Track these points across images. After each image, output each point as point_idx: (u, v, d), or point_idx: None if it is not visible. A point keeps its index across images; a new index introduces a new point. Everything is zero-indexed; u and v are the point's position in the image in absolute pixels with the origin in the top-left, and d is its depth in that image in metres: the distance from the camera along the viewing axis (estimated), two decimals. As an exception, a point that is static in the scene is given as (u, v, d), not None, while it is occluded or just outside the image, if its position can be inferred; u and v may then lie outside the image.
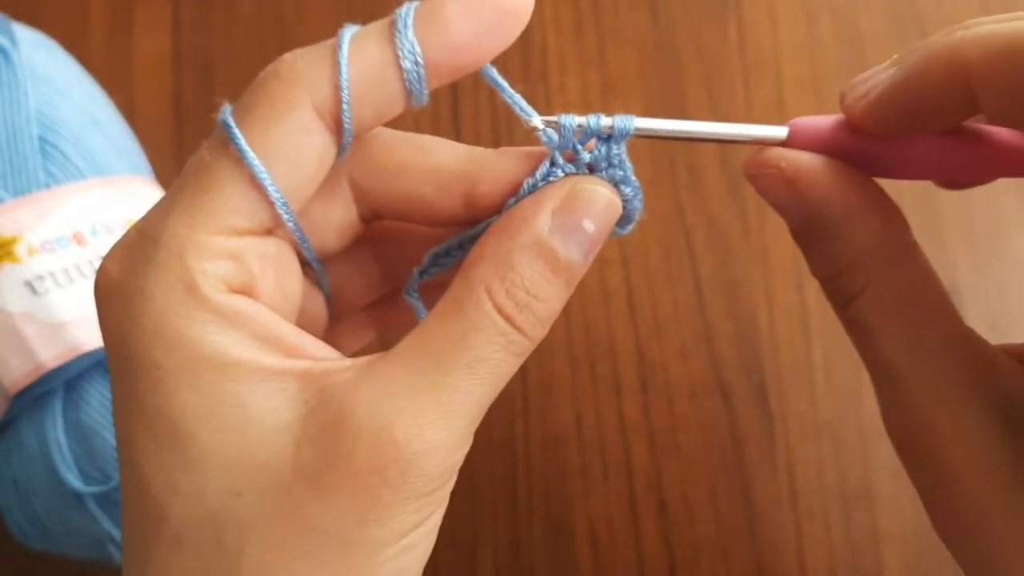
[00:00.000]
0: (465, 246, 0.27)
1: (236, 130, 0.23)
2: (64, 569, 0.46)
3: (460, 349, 0.23)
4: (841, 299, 0.27)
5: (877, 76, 0.25)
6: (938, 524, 0.26)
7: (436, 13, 0.23)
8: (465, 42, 0.23)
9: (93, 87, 0.46)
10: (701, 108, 0.50)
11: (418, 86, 0.24)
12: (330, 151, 0.24)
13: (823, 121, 0.27)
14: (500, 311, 0.23)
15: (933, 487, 0.26)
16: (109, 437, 0.39)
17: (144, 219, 0.24)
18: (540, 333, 0.24)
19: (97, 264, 0.39)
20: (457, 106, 0.51)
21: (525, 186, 0.25)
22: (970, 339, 0.26)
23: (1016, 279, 0.45)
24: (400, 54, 0.23)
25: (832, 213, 0.26)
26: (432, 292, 0.28)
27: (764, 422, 0.45)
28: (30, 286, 0.38)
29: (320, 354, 0.24)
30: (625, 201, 0.26)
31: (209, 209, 0.23)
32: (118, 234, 0.41)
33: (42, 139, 0.41)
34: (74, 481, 0.38)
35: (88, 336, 0.38)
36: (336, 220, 0.27)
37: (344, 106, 0.23)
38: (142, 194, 0.43)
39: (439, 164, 0.26)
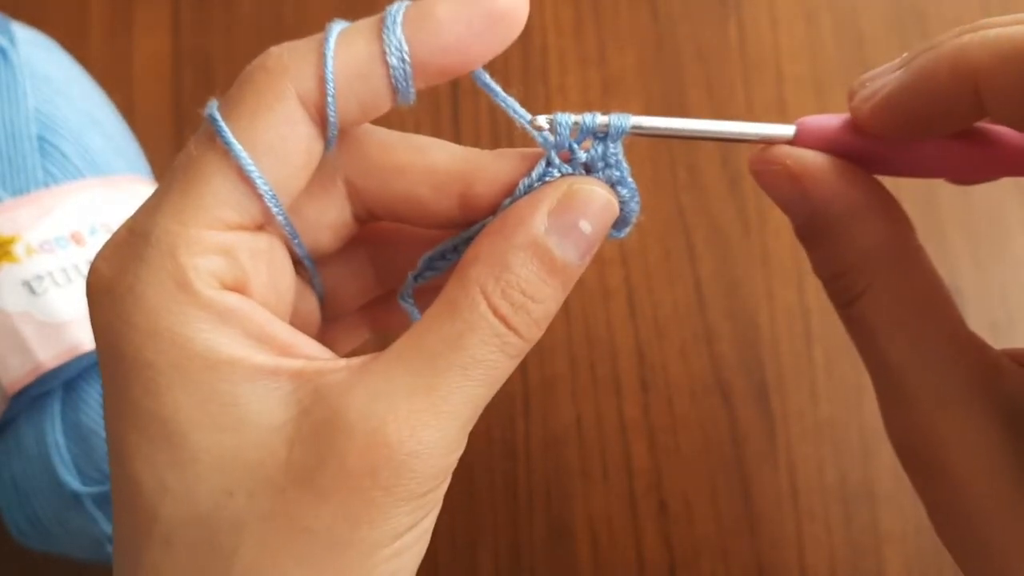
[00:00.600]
0: (460, 249, 0.27)
1: (222, 123, 0.23)
2: (63, 569, 0.45)
3: (454, 350, 0.23)
4: (844, 299, 0.27)
5: (884, 77, 0.25)
6: (940, 528, 0.26)
7: (427, 13, 0.23)
8: (453, 44, 0.23)
9: (92, 87, 0.46)
10: (701, 108, 0.50)
11: (404, 83, 0.23)
12: (317, 144, 0.24)
13: (830, 120, 0.26)
14: (495, 312, 0.23)
15: (935, 491, 0.26)
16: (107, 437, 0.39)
17: (134, 216, 0.24)
18: (535, 334, 0.24)
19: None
20: (457, 106, 0.51)
21: (521, 187, 0.25)
22: (973, 343, 0.26)
23: (1018, 279, 0.45)
24: (387, 50, 0.23)
25: (837, 212, 0.26)
26: (427, 296, 0.27)
27: (764, 422, 0.45)
28: (28, 286, 0.38)
29: (313, 353, 0.24)
30: (622, 203, 0.26)
31: (198, 204, 0.23)
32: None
33: (41, 139, 0.41)
34: (72, 482, 0.38)
35: (87, 336, 0.38)
36: (330, 219, 0.27)
37: (329, 99, 0.23)
38: (141, 194, 0.43)
39: (435, 164, 0.26)
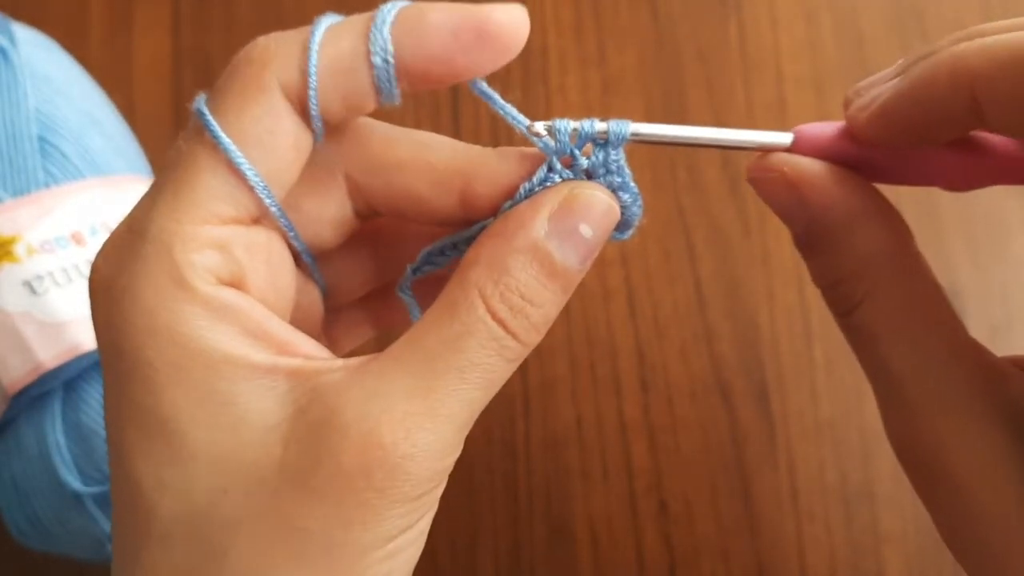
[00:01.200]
0: (459, 246, 0.27)
1: (210, 117, 0.23)
2: (63, 569, 0.45)
3: (452, 352, 0.23)
4: (843, 307, 0.27)
5: (880, 86, 0.25)
6: (944, 532, 0.26)
7: (418, 18, 0.23)
8: (439, 54, 0.23)
9: (92, 87, 0.46)
10: (701, 108, 0.50)
11: (387, 84, 0.23)
12: (305, 137, 0.24)
13: (827, 128, 0.26)
14: (493, 315, 0.23)
15: (939, 496, 0.25)
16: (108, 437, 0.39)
17: (131, 214, 0.24)
18: (534, 339, 0.24)
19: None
20: (457, 106, 0.51)
21: (522, 190, 0.25)
22: (973, 348, 0.26)
23: (1017, 280, 0.45)
24: (372, 49, 0.23)
25: (835, 219, 0.26)
26: (426, 288, 0.28)
27: (765, 422, 0.45)
28: (29, 286, 0.38)
29: (311, 352, 0.24)
30: (624, 207, 0.26)
31: (191, 199, 0.23)
32: (116, 234, 0.40)
33: (41, 139, 0.41)
34: (73, 482, 0.38)
35: (87, 336, 0.38)
36: (331, 214, 0.27)
37: (311, 92, 0.23)
38: (141, 194, 0.43)
39: (436, 161, 0.26)
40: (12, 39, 0.43)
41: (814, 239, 0.27)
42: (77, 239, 0.40)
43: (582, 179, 0.25)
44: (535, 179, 0.25)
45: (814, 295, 0.46)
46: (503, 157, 0.26)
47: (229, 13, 0.53)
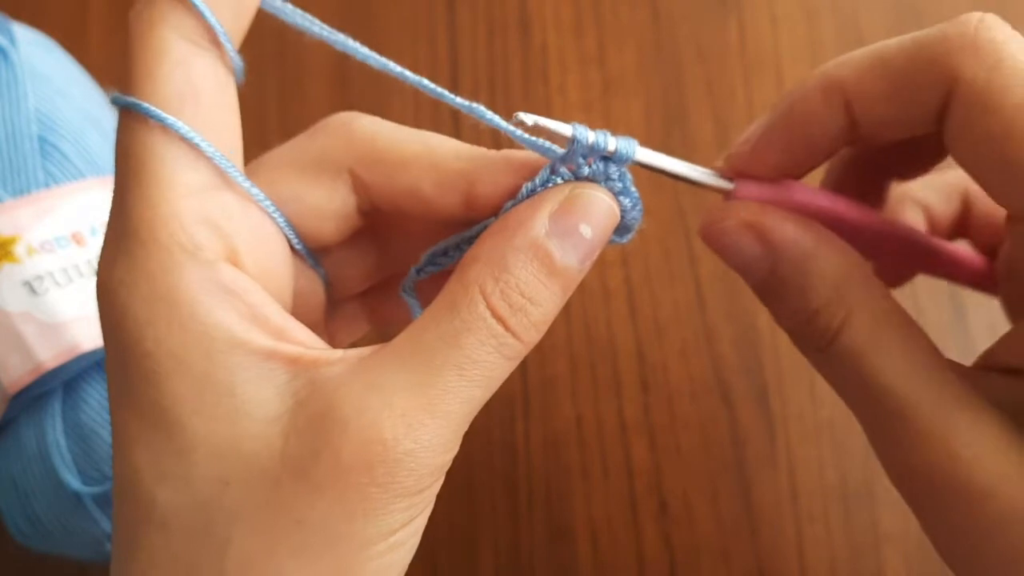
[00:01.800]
0: (463, 247, 0.27)
1: (129, 97, 0.23)
2: (63, 570, 0.45)
3: (451, 349, 0.23)
4: (822, 339, 0.27)
5: (757, 123, 0.27)
6: (960, 550, 0.25)
7: None
8: None
9: (92, 87, 0.46)
10: (701, 108, 0.50)
11: None
12: (225, 75, 0.25)
13: (762, 185, 0.28)
14: (494, 312, 0.23)
15: (953, 512, 0.24)
16: (108, 437, 0.39)
17: (110, 218, 0.24)
18: (533, 337, 0.24)
19: (96, 264, 0.39)
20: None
21: (524, 190, 0.25)
22: (948, 359, 0.26)
23: (1017, 279, 0.45)
24: None
25: (801, 251, 0.26)
26: (429, 289, 0.28)
27: (765, 423, 0.45)
28: (29, 286, 0.38)
29: (306, 340, 0.24)
30: (624, 211, 0.26)
31: (155, 181, 0.23)
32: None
33: (41, 139, 0.41)
34: (73, 481, 0.38)
35: (87, 336, 0.38)
36: (334, 208, 0.27)
37: (212, 23, 0.24)
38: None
39: (440, 161, 0.26)
40: (12, 39, 0.43)
41: (780, 280, 0.27)
42: (77, 239, 0.40)
43: (583, 180, 0.25)
44: (537, 180, 0.25)
45: (814, 295, 0.46)
46: (507, 159, 0.26)
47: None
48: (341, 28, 0.27)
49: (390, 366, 0.23)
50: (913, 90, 0.24)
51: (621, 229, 0.26)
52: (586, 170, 0.25)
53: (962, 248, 0.33)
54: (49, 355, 0.38)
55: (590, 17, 0.52)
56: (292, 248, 0.27)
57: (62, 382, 0.39)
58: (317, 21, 0.27)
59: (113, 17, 0.54)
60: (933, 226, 0.34)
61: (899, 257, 0.31)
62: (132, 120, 0.23)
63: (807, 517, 0.43)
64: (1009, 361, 0.26)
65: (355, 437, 0.22)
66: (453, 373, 0.23)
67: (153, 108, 0.23)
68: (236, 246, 0.24)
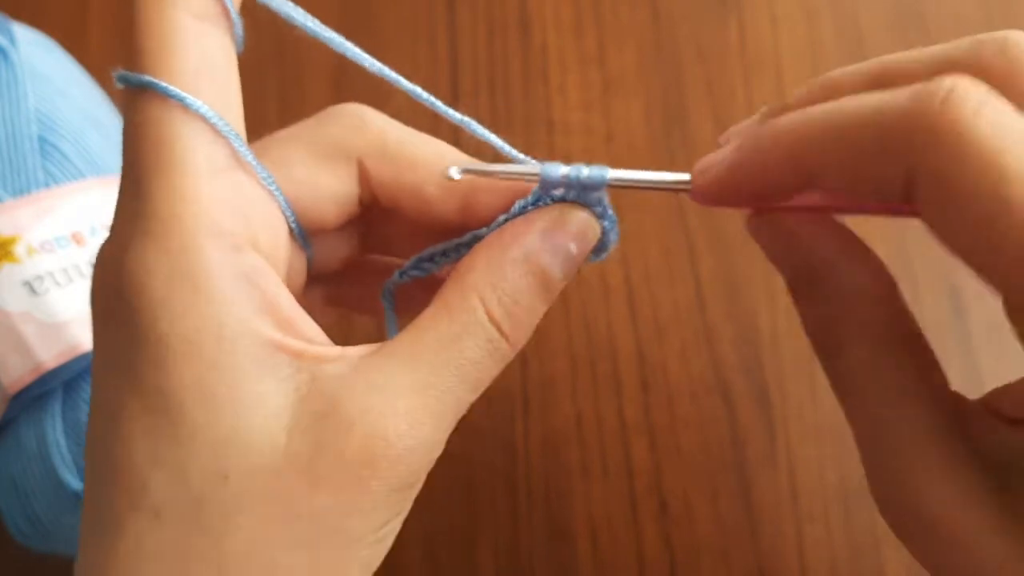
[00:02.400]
0: (450, 254, 0.29)
1: (144, 77, 0.23)
2: (63, 570, 0.45)
3: (451, 351, 0.24)
4: (830, 351, 0.27)
5: (717, 158, 0.27)
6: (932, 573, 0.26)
7: None
8: None
9: (92, 87, 0.46)
10: (701, 108, 0.50)
11: None
12: (229, 47, 0.25)
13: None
14: (491, 318, 0.25)
15: (925, 547, 0.25)
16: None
17: (121, 201, 0.24)
18: (521, 342, 0.26)
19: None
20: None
21: (516, 206, 0.27)
22: (952, 396, 0.26)
23: (1017, 279, 0.45)
24: None
25: (821, 259, 0.27)
26: (400, 295, 0.30)
27: (765, 422, 0.45)
28: (29, 286, 0.38)
29: (310, 334, 0.25)
30: (604, 232, 0.28)
31: (173, 162, 0.23)
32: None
33: (41, 139, 0.41)
34: (73, 481, 0.38)
35: (87, 336, 0.38)
36: (338, 194, 0.28)
37: None
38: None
39: (447, 166, 0.27)
40: (12, 39, 0.43)
41: (802, 282, 0.27)
42: (77, 239, 0.40)
43: (570, 200, 0.27)
44: (530, 198, 0.27)
45: (814, 295, 0.46)
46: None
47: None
48: (341, 28, 0.27)
49: (391, 367, 0.24)
50: (874, 170, 0.23)
51: (598, 248, 0.28)
52: (572, 194, 0.27)
53: None
54: (49, 355, 0.38)
55: (590, 17, 0.52)
56: (289, 230, 0.28)
57: (62, 382, 0.39)
58: (311, 17, 0.27)
59: (113, 17, 0.54)
60: None
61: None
62: (146, 99, 0.23)
63: (807, 517, 0.43)
64: (1008, 409, 0.25)
65: (360, 434, 0.23)
66: (452, 374, 0.24)
67: (172, 87, 0.23)
68: (254, 229, 0.24)
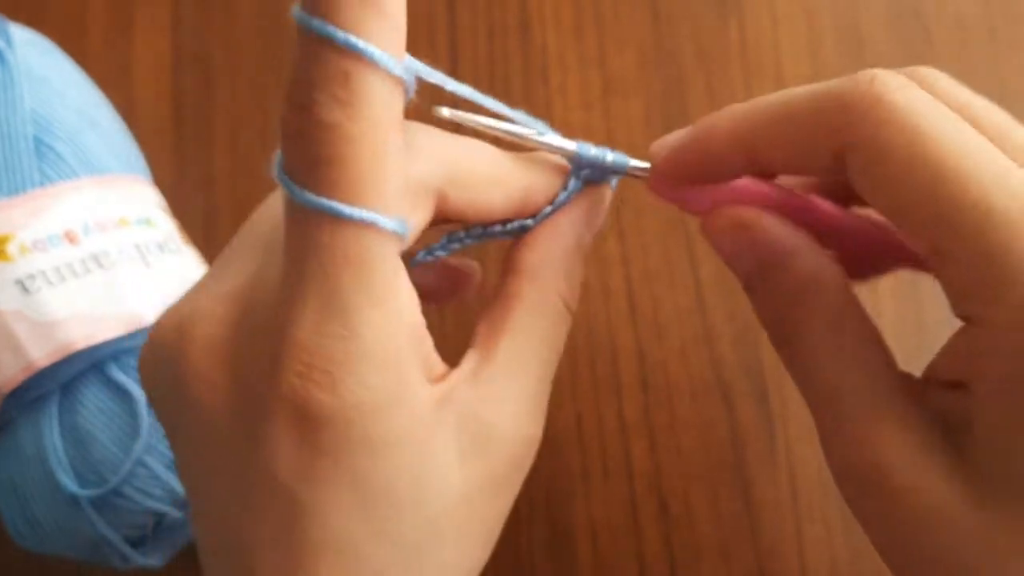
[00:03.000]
0: (483, 237, 0.30)
1: (358, 210, 0.23)
2: (63, 571, 0.45)
3: (549, 350, 0.29)
4: (785, 336, 0.29)
5: (675, 134, 0.30)
6: (888, 552, 0.27)
7: None
8: None
9: (91, 87, 0.46)
10: (701, 108, 0.50)
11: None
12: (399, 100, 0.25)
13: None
14: (567, 305, 0.29)
15: (880, 512, 0.26)
16: (105, 441, 0.38)
17: (325, 320, 0.23)
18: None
19: (89, 262, 0.39)
20: (457, 105, 0.50)
21: (561, 196, 0.30)
22: (899, 369, 0.27)
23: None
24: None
25: (779, 250, 0.28)
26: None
27: (765, 423, 0.45)
28: (21, 285, 0.38)
29: (438, 368, 0.27)
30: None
31: (388, 291, 0.24)
32: (111, 232, 0.40)
33: (37, 140, 0.41)
34: (70, 484, 0.38)
35: (80, 335, 0.38)
36: (423, 224, 0.28)
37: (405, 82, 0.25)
38: (136, 193, 0.43)
39: (509, 178, 0.29)
40: (9, 40, 0.43)
41: (760, 276, 0.29)
42: (71, 238, 0.40)
43: (593, 181, 0.31)
44: (570, 187, 0.30)
45: (814, 295, 0.46)
46: (549, 172, 0.30)
47: (229, 14, 0.53)
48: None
49: (514, 376, 0.28)
50: (808, 142, 0.26)
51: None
52: (596, 175, 0.31)
53: None
54: (41, 353, 0.37)
55: (590, 17, 0.52)
56: None
57: (59, 385, 0.39)
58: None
59: (113, 17, 0.54)
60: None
61: (859, 247, 0.32)
62: (354, 227, 0.23)
63: (807, 517, 0.43)
64: (946, 374, 0.27)
65: (512, 444, 0.27)
66: (549, 369, 0.29)
67: (385, 220, 0.23)
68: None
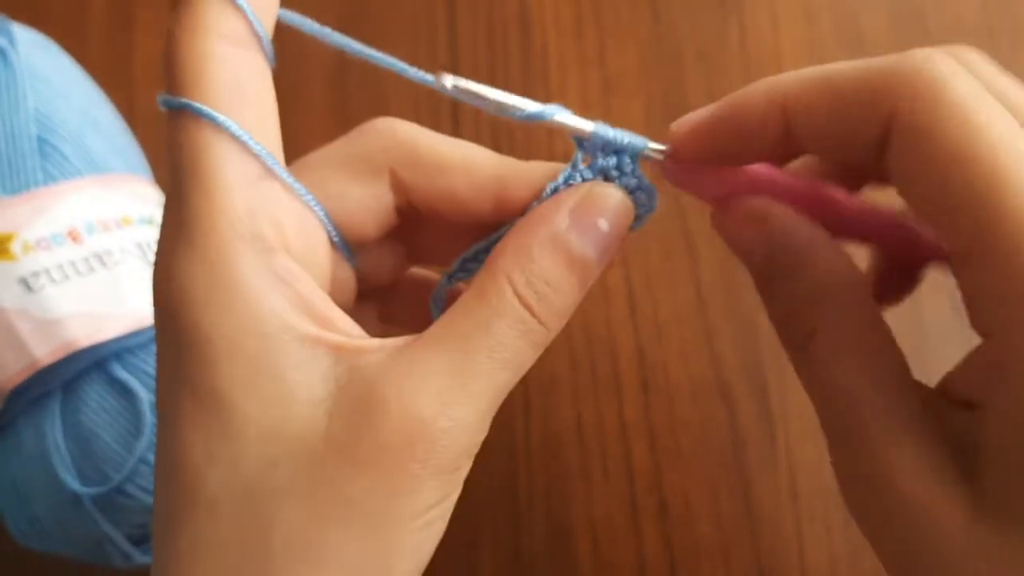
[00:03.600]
0: (492, 249, 0.29)
1: (181, 99, 0.24)
2: (64, 570, 0.45)
3: (483, 334, 0.25)
4: (798, 339, 0.27)
5: (701, 110, 0.28)
6: (893, 568, 0.26)
7: None
8: None
9: (92, 87, 0.46)
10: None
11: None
12: (263, 67, 0.26)
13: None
14: (521, 300, 0.25)
15: (889, 527, 0.25)
16: (107, 439, 0.39)
17: (167, 210, 0.25)
18: (557, 325, 0.26)
19: (92, 261, 0.40)
20: (457, 113, 0.51)
21: (548, 189, 0.27)
22: (916, 381, 0.26)
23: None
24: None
25: (794, 246, 0.27)
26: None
27: (765, 422, 0.45)
28: (25, 283, 0.38)
29: (347, 329, 0.25)
30: (641, 204, 0.28)
31: (213, 175, 0.24)
32: (113, 231, 0.41)
33: (40, 139, 0.41)
34: (72, 482, 0.38)
35: (83, 333, 0.38)
36: (375, 206, 0.29)
37: (251, 20, 0.25)
38: (138, 192, 0.43)
39: (476, 166, 0.28)
40: (11, 40, 0.43)
41: (773, 270, 0.28)
42: (74, 236, 0.40)
43: (600, 179, 0.28)
44: (560, 179, 0.27)
45: (814, 295, 0.46)
46: (535, 167, 0.28)
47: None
48: (341, 28, 0.27)
49: (427, 352, 0.24)
50: (852, 115, 0.25)
51: (638, 219, 0.29)
52: (602, 161, 0.27)
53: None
54: (44, 352, 0.38)
55: (590, 17, 0.52)
56: (331, 242, 0.29)
57: (61, 383, 0.39)
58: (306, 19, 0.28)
59: (113, 18, 0.54)
60: None
61: (876, 241, 0.31)
62: (183, 119, 0.24)
63: (807, 517, 0.43)
64: (960, 392, 0.26)
65: (395, 416, 0.23)
66: (484, 357, 0.24)
67: (205, 108, 0.24)
68: (286, 236, 0.25)
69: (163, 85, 0.53)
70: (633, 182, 0.28)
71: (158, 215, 0.43)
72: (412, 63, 0.43)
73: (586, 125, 0.27)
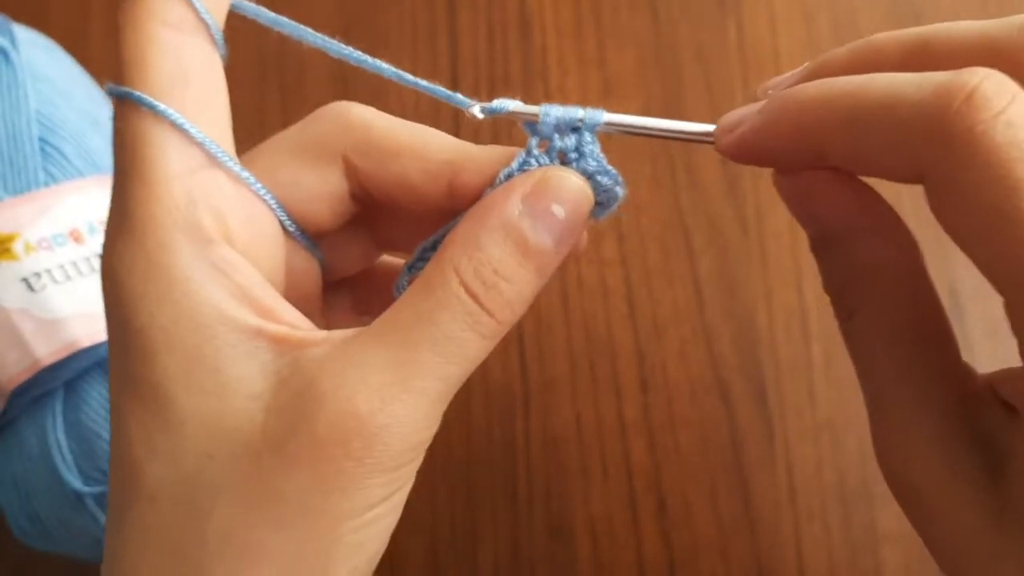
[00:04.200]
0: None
1: (123, 88, 0.24)
2: (65, 569, 0.46)
3: (426, 326, 0.23)
4: (843, 315, 0.27)
5: (744, 116, 0.27)
6: (928, 548, 0.26)
7: None
8: None
9: (93, 87, 0.46)
10: (701, 108, 0.50)
11: None
12: (212, 54, 0.26)
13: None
14: (467, 289, 0.24)
15: (915, 514, 0.25)
16: (109, 437, 0.39)
17: (111, 200, 0.25)
18: (508, 316, 0.25)
19: (94, 261, 0.40)
20: (457, 111, 0.51)
21: (501, 175, 0.26)
22: (962, 372, 0.26)
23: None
24: None
25: (838, 227, 0.26)
26: None
27: (763, 422, 0.45)
28: (27, 283, 0.38)
29: (294, 320, 0.25)
30: (604, 190, 0.27)
31: (148, 166, 0.24)
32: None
33: (42, 140, 0.41)
34: (74, 481, 0.38)
35: (85, 333, 0.38)
36: (327, 191, 0.28)
37: (196, 5, 0.25)
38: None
39: (428, 151, 0.27)
40: (13, 40, 0.43)
41: (823, 244, 0.27)
42: (75, 237, 0.40)
43: (557, 164, 0.27)
44: (514, 164, 0.26)
45: (812, 295, 0.46)
46: (490, 151, 0.27)
47: (228, 14, 0.53)
48: (340, 29, 0.27)
49: (368, 345, 0.23)
50: (883, 161, 0.24)
51: (600, 207, 0.27)
52: (559, 143, 0.27)
53: None
54: (46, 351, 0.38)
55: (590, 18, 0.52)
56: (286, 231, 0.28)
57: (63, 382, 0.39)
58: (283, 18, 0.28)
59: (114, 18, 0.54)
60: None
61: None
62: (126, 108, 0.24)
63: (806, 516, 0.43)
64: (1005, 393, 0.25)
65: (331, 411, 0.22)
66: (427, 349, 0.23)
67: (144, 96, 0.24)
68: (229, 225, 0.25)
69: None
70: (592, 164, 0.26)
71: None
72: (412, 63, 0.43)
73: (533, 109, 0.27)
